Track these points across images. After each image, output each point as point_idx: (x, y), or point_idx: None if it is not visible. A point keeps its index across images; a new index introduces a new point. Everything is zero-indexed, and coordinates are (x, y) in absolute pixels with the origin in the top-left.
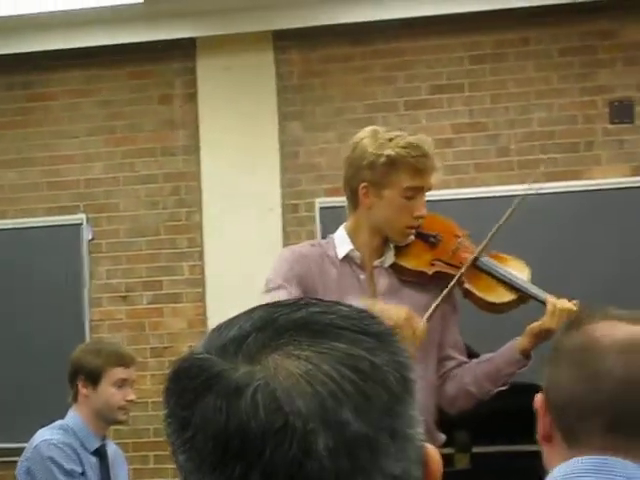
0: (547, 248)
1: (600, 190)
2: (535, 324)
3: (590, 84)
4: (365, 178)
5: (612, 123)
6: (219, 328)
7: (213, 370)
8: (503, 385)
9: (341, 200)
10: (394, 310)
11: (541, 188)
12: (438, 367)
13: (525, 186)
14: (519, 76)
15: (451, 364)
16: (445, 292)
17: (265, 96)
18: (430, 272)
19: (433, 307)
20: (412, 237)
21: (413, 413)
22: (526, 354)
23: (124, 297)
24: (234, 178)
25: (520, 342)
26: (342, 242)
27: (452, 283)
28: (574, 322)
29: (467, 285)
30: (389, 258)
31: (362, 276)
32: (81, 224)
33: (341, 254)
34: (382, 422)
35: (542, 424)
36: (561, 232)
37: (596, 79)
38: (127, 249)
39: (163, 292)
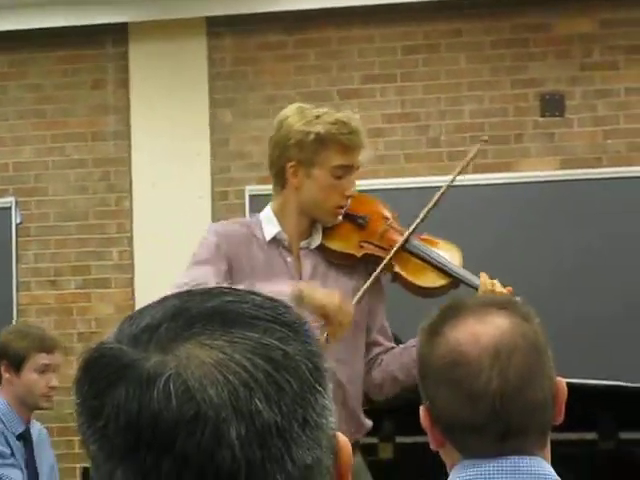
0: (473, 240)
1: (529, 183)
2: None
3: (521, 77)
4: (293, 157)
5: (542, 116)
6: (130, 318)
7: (124, 360)
8: None
9: (271, 188)
10: (326, 295)
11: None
12: (365, 353)
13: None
14: (451, 67)
15: (378, 350)
16: (374, 275)
17: (197, 82)
18: (359, 254)
19: (362, 291)
20: (340, 218)
21: (325, 402)
22: None
23: (52, 281)
24: (164, 164)
25: None
26: (269, 223)
27: (381, 267)
28: (433, 327)
29: (397, 269)
30: (316, 239)
31: (289, 259)
32: (10, 207)
33: (268, 236)
34: (294, 411)
35: (432, 436)
36: (489, 224)
37: (527, 72)
38: (56, 233)
39: (92, 277)
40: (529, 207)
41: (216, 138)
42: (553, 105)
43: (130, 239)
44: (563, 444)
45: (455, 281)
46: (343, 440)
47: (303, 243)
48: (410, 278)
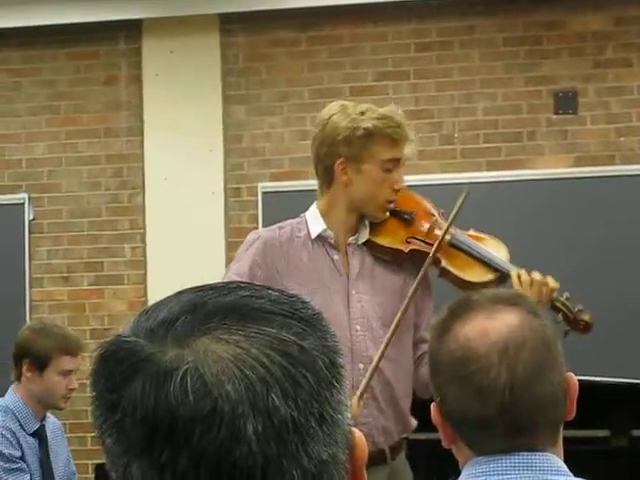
0: None
1: (542, 180)
2: None
3: (535, 74)
4: (341, 154)
5: (556, 113)
6: (147, 311)
7: (141, 353)
8: None
9: (284, 185)
10: None
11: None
12: (413, 350)
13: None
14: (464, 64)
15: (426, 347)
16: (421, 272)
17: (210, 79)
18: (406, 250)
19: (412, 291)
20: (387, 214)
21: (341, 398)
22: None
23: (65, 278)
24: (177, 161)
25: None
26: (315, 221)
27: (427, 262)
28: (443, 324)
29: (444, 264)
30: (363, 235)
31: (336, 256)
32: (23, 204)
33: (314, 233)
34: (311, 407)
35: (443, 433)
36: (501, 221)
37: (541, 69)
38: (69, 230)
39: (104, 274)
40: (542, 204)
41: (229, 135)
42: (566, 102)
43: (143, 235)
44: (576, 441)
45: (502, 276)
46: (359, 436)
47: (351, 239)
48: (458, 273)
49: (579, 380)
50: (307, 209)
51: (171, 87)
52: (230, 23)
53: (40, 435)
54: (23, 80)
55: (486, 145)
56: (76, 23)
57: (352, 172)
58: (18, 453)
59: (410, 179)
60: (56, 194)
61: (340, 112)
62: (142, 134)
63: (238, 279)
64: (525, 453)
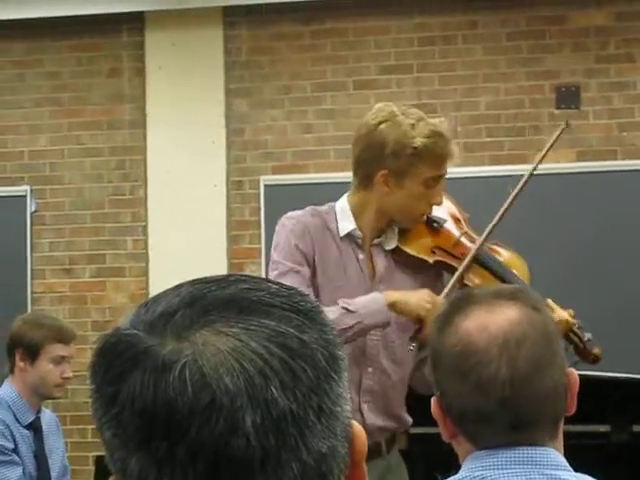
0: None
1: (545, 175)
2: None
3: (537, 69)
4: (386, 166)
5: (558, 108)
6: (146, 304)
7: (140, 346)
8: None
9: (286, 178)
10: (418, 300)
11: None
12: (419, 352)
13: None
14: (467, 59)
15: None
16: (450, 285)
17: (213, 72)
18: (431, 261)
19: (449, 286)
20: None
21: (341, 390)
22: None
23: (67, 270)
24: (180, 153)
25: None
26: (345, 218)
27: (454, 278)
28: (444, 317)
29: (466, 281)
30: (391, 241)
31: (361, 256)
32: (25, 196)
33: (343, 231)
34: (310, 400)
35: (443, 427)
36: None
37: (543, 64)
38: (71, 222)
39: (106, 266)
40: (544, 199)
41: (231, 127)
42: (569, 97)
43: (145, 228)
44: (576, 436)
45: None
46: (358, 429)
47: (376, 241)
48: None
49: (580, 375)
50: (309, 202)
51: (174, 80)
52: (233, 16)
53: (35, 427)
54: (26, 72)
55: (489, 139)
56: (79, 15)
57: (393, 185)
58: (11, 445)
59: None
60: (58, 186)
61: (389, 122)
62: (144, 127)
63: (293, 265)
64: (525, 447)
